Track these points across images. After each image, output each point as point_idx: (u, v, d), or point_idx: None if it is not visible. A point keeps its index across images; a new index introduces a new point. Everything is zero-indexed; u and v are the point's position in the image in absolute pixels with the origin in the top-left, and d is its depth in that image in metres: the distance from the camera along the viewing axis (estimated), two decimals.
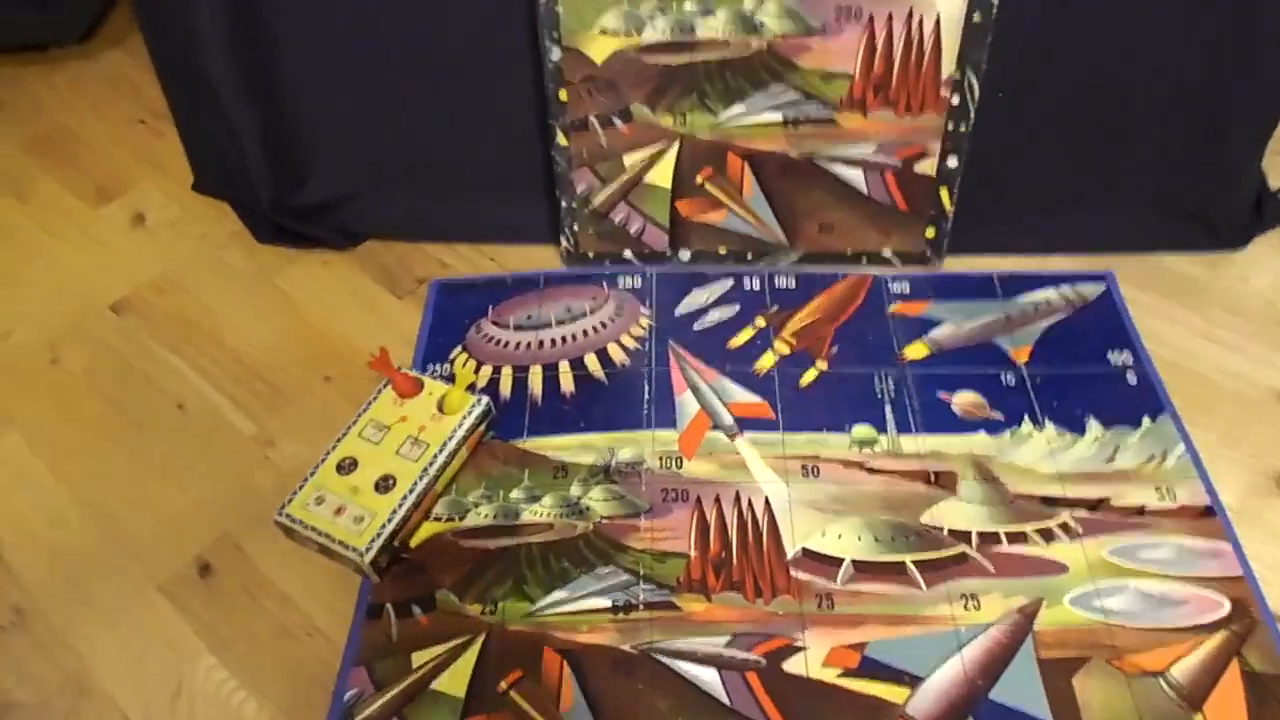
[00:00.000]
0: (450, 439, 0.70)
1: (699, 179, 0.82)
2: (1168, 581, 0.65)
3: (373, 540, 0.65)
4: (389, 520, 0.66)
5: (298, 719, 0.61)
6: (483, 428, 0.73)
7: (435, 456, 0.69)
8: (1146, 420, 0.74)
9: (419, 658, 0.63)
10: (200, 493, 0.73)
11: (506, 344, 0.81)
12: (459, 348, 0.81)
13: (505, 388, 0.78)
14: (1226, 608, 0.63)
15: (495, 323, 0.83)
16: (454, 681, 0.61)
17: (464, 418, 0.71)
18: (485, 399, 0.73)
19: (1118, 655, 0.61)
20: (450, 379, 0.78)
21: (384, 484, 0.68)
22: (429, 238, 0.91)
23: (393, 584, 0.66)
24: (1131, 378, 0.77)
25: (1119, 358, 0.78)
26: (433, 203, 0.90)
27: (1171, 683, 0.60)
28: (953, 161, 0.79)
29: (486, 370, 0.79)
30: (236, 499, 0.72)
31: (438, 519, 0.70)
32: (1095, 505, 0.69)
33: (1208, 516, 0.68)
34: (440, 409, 0.72)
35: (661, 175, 0.82)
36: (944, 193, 0.81)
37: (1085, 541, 0.67)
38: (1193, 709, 0.59)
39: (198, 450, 0.75)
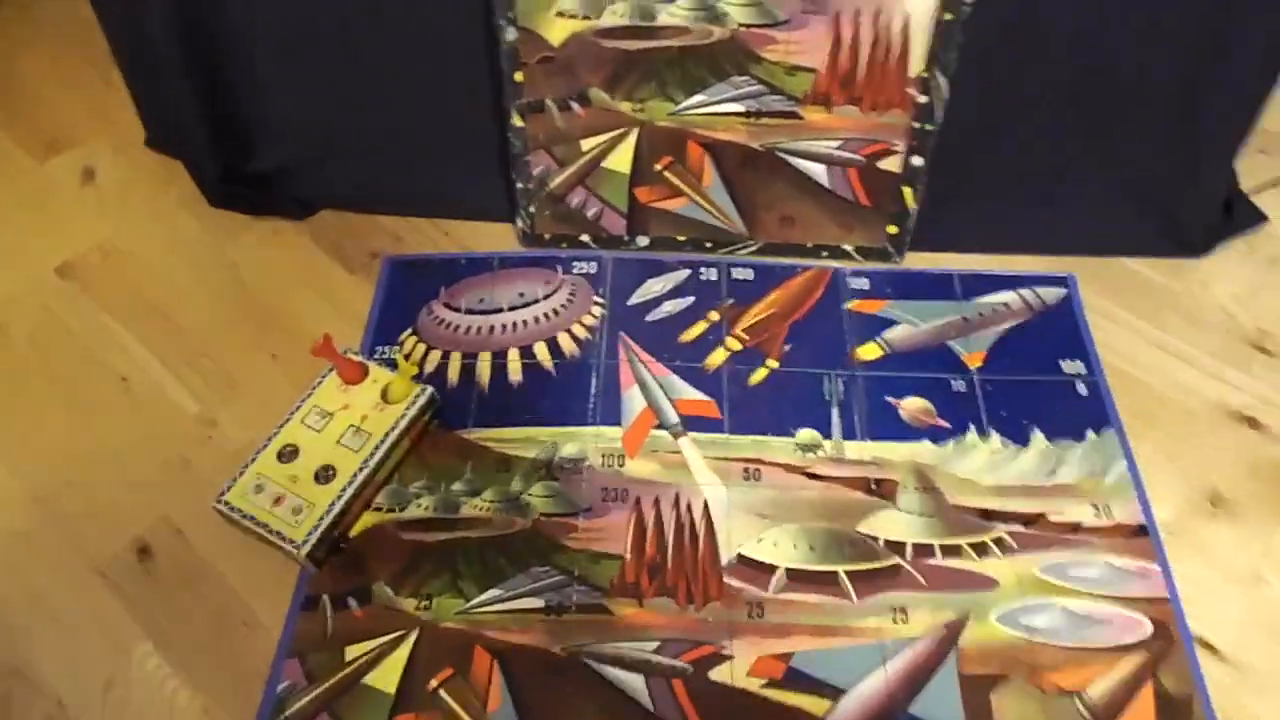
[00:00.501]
0: (393, 430, 0.70)
1: (658, 166, 0.80)
2: (1094, 601, 0.66)
3: (310, 533, 0.65)
4: (327, 513, 0.66)
5: (230, 709, 0.62)
6: (427, 418, 0.73)
7: (376, 448, 0.69)
8: (1091, 434, 0.74)
9: (352, 651, 0.63)
10: (141, 473, 0.73)
11: (457, 328, 0.80)
12: (409, 330, 0.80)
13: (453, 374, 0.77)
14: (1148, 629, 0.65)
15: (447, 305, 0.82)
16: (385, 677, 0.62)
17: (408, 408, 0.71)
18: (430, 390, 0.72)
19: (1037, 674, 0.63)
20: (394, 365, 0.77)
21: (324, 474, 0.68)
22: (384, 209, 0.89)
23: (331, 575, 0.67)
24: (1082, 388, 0.77)
25: (1072, 367, 0.78)
26: (388, 173, 0.88)
27: (1086, 702, 0.62)
28: (917, 160, 0.77)
29: (435, 355, 0.79)
30: (177, 480, 0.72)
31: (379, 508, 0.70)
32: (1031, 520, 0.70)
33: (1140, 535, 0.69)
34: (384, 398, 0.72)
35: (620, 160, 0.80)
36: (907, 191, 0.79)
37: (1018, 557, 0.68)
38: None
39: (140, 428, 0.75)
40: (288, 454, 0.69)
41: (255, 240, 0.88)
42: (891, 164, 0.78)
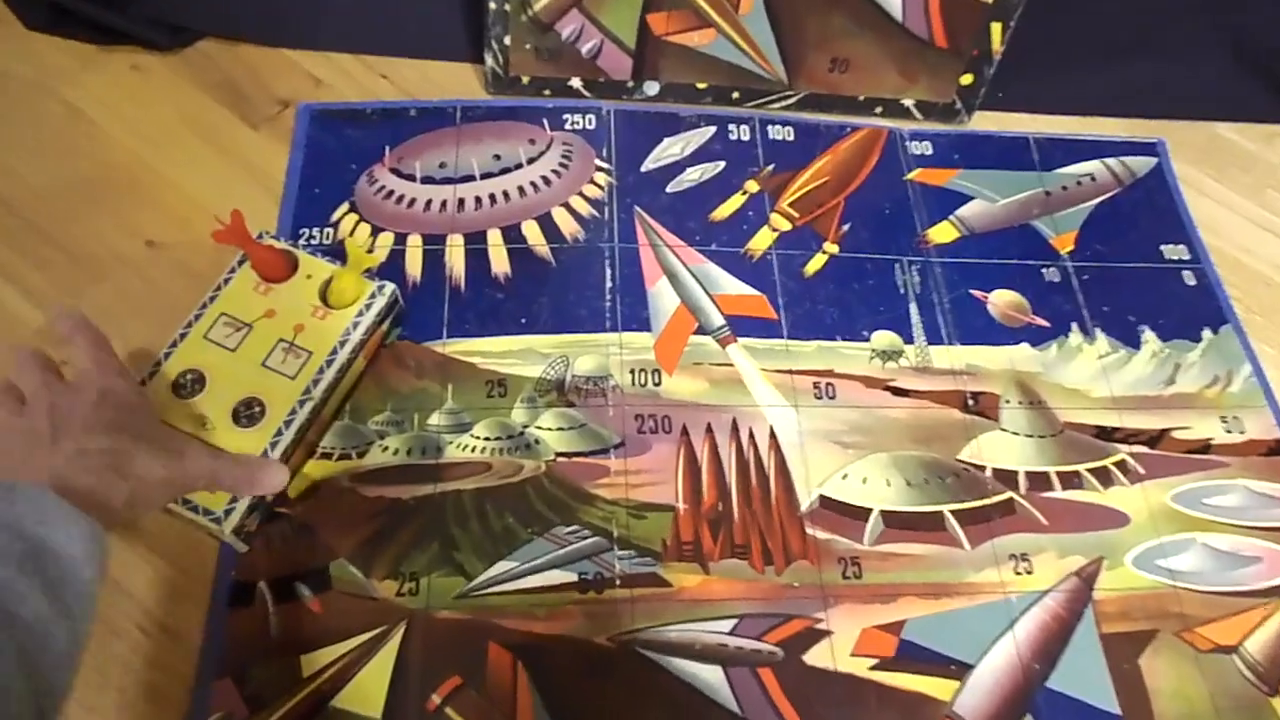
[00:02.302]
0: (342, 344, 0.49)
1: None
2: (1238, 534, 0.55)
3: (233, 500, 0.45)
4: None
5: None
6: (385, 325, 0.53)
7: (321, 370, 0.49)
8: (1208, 333, 0.62)
9: (312, 662, 0.45)
10: None
11: (413, 202, 0.59)
12: (345, 205, 0.59)
13: (413, 266, 0.57)
14: None
15: (395, 170, 0.60)
16: (364, 696, 0.44)
17: (361, 313, 0.50)
18: (390, 286, 0.52)
19: (1188, 626, 0.51)
20: (337, 254, 0.55)
21: (247, 412, 0.47)
22: (291, 40, 0.65)
23: (266, 552, 0.47)
24: (1189, 278, 0.64)
25: (1174, 252, 0.65)
26: None
27: (1246, 660, 0.51)
28: None
29: (386, 239, 0.58)
30: None
31: (327, 455, 0.50)
32: (1155, 439, 0.57)
33: (1278, 454, 0.58)
34: (324, 300, 0.51)
35: None
36: (996, 28, 0.62)
37: (1146, 485, 0.55)
38: (1271, 691, 0.50)
39: None
40: (189, 384, 0.48)
41: (106, 81, 0.62)
42: None
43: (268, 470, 0.45)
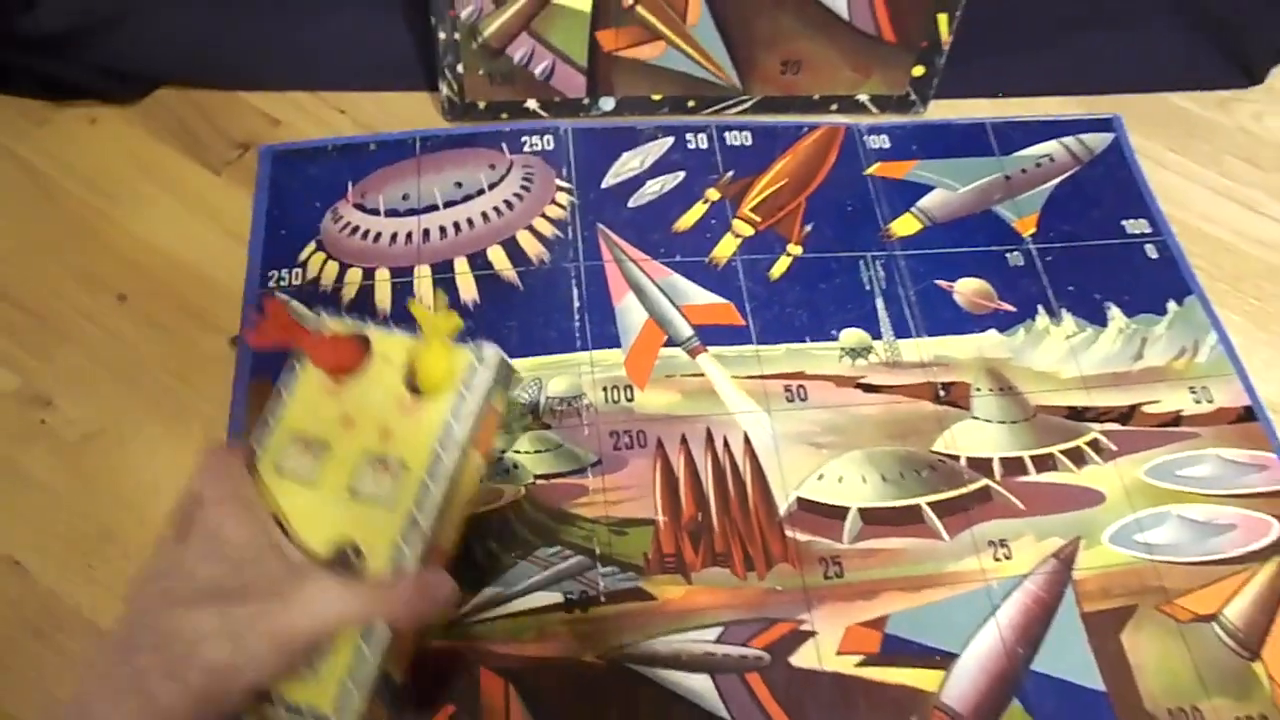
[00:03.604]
0: (443, 446, 0.41)
1: (629, 1, 0.60)
2: (1212, 503, 0.55)
3: (344, 697, 0.37)
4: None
5: None
6: (497, 400, 0.45)
7: (425, 489, 0.40)
8: (1173, 305, 0.62)
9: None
10: None
11: (378, 236, 0.60)
12: (312, 244, 0.59)
13: (382, 300, 0.57)
14: (1277, 530, 0.55)
15: (359, 205, 0.61)
16: None
17: (460, 396, 0.42)
18: (491, 348, 0.43)
19: (1167, 599, 0.52)
20: (403, 322, 0.45)
21: (340, 564, 0.39)
22: (248, 82, 0.65)
23: None
24: (1151, 251, 0.64)
25: (1136, 226, 0.65)
26: (251, 29, 0.64)
27: (1227, 627, 0.52)
28: None
29: (355, 274, 0.58)
30: (5, 492, 0.50)
31: None
32: (1126, 416, 0.58)
33: (1248, 420, 0.58)
34: (412, 386, 0.42)
35: None
36: (943, 19, 0.63)
37: (1119, 461, 0.56)
38: (1252, 656, 0.51)
39: None
40: None
41: (62, 137, 0.63)
42: None
43: (429, 586, 0.38)
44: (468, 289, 0.58)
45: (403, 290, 0.57)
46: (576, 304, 0.58)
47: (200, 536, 0.37)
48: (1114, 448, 0.56)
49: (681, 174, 0.64)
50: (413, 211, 0.60)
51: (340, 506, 0.39)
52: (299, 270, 0.58)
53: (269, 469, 0.40)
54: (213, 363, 0.54)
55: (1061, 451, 0.56)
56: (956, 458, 0.55)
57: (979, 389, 0.58)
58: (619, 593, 0.49)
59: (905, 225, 0.64)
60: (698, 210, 0.62)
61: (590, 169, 0.63)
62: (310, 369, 0.42)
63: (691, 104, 0.66)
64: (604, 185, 0.63)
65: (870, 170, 0.66)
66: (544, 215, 0.61)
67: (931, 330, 0.60)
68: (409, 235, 0.60)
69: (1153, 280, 0.63)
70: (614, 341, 0.57)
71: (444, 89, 0.63)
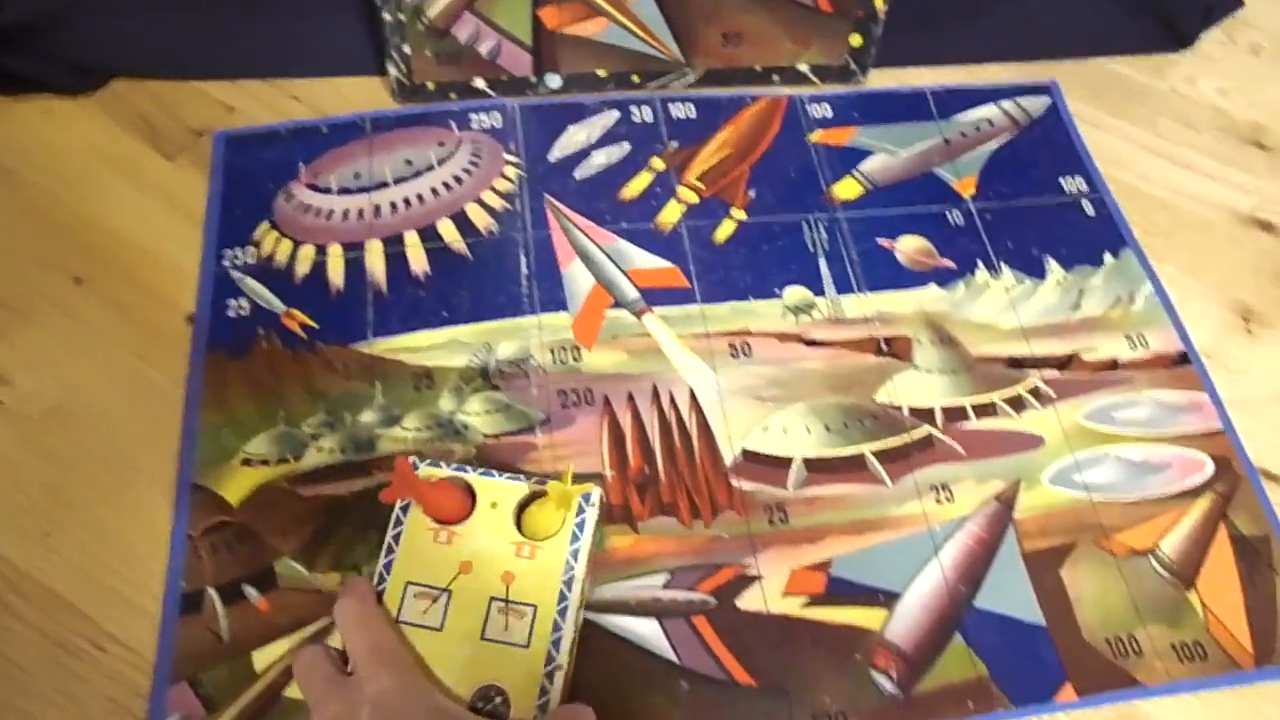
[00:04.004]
0: (568, 584, 0.43)
1: None
2: (1148, 444, 0.57)
3: None
4: None
5: None
6: (599, 526, 0.49)
7: (558, 626, 0.42)
8: (1109, 257, 0.64)
9: (263, 658, 0.47)
10: None
11: (330, 213, 0.61)
12: (265, 223, 0.60)
13: (335, 273, 0.59)
14: (1210, 468, 0.56)
15: (311, 185, 0.62)
16: None
17: (575, 538, 0.44)
18: (596, 493, 0.46)
19: (1104, 536, 0.53)
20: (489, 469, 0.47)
21: (486, 707, 0.40)
22: (201, 72, 0.67)
23: (212, 560, 0.49)
24: (1089, 207, 0.66)
25: (1073, 184, 0.67)
26: (205, 20, 0.65)
27: (1162, 560, 0.53)
28: None
29: (308, 251, 0.59)
30: None
31: (264, 462, 0.52)
32: (1064, 363, 0.59)
33: (1182, 364, 0.60)
34: (520, 526, 0.45)
35: None
36: None
37: (1058, 406, 0.58)
38: (1186, 586, 0.52)
39: None
40: None
41: (18, 129, 0.64)
42: None
43: (578, 717, 0.39)
44: (418, 261, 0.59)
45: (355, 263, 0.59)
46: (525, 271, 0.59)
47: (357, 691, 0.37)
48: (1053, 394, 0.58)
49: (627, 145, 0.65)
50: (364, 189, 0.62)
51: (472, 650, 0.41)
52: (253, 248, 0.59)
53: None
54: (170, 339, 0.56)
55: (1002, 399, 0.58)
56: (899, 407, 0.57)
57: (920, 341, 0.59)
58: None
59: (847, 189, 0.65)
60: (643, 179, 0.64)
61: (537, 143, 0.65)
62: (416, 518, 0.44)
63: (636, 79, 0.68)
64: (551, 158, 0.64)
65: (813, 138, 0.68)
66: (492, 188, 0.62)
67: (873, 286, 0.61)
68: (360, 212, 0.61)
69: (1089, 235, 0.65)
70: (561, 305, 0.58)
71: (392, 71, 0.65)
